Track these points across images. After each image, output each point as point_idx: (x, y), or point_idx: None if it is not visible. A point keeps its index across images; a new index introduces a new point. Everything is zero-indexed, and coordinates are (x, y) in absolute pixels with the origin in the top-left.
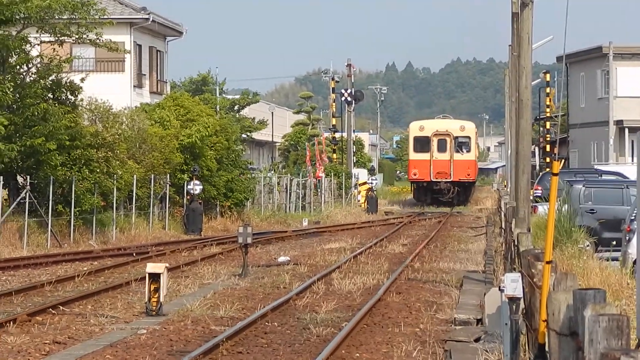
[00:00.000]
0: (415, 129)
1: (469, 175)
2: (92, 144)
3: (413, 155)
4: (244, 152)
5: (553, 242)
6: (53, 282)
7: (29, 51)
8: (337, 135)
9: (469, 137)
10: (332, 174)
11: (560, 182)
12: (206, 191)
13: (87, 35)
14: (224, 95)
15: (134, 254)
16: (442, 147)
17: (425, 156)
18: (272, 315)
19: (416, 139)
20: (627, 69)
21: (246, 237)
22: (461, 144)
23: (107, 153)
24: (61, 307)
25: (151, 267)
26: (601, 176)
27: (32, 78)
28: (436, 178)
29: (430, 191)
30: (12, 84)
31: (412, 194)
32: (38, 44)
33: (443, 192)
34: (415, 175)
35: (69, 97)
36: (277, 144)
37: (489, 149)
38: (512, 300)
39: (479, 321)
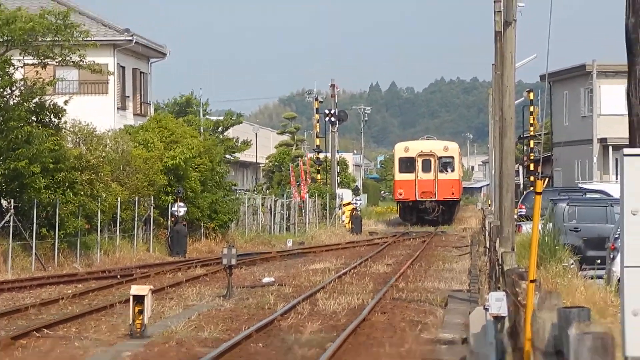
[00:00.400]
0: (401, 150)
1: (453, 194)
2: (76, 167)
3: (398, 176)
4: (228, 174)
5: (537, 261)
6: (37, 305)
7: (12, 74)
8: (321, 155)
9: (452, 157)
10: (317, 194)
11: (544, 200)
12: (190, 213)
13: (71, 58)
14: (207, 116)
15: (119, 277)
16: (426, 167)
17: (410, 176)
18: (257, 336)
19: (401, 159)
20: (611, 87)
21: (230, 259)
22: (445, 164)
23: (91, 175)
24: (45, 330)
25: (135, 289)
26: (585, 194)
27: (15, 101)
28: (421, 197)
29: (415, 210)
30: None
31: (398, 214)
32: (21, 67)
33: (428, 211)
34: (401, 195)
35: (53, 119)
36: (261, 164)
37: (473, 168)
38: (497, 319)
39: (465, 340)
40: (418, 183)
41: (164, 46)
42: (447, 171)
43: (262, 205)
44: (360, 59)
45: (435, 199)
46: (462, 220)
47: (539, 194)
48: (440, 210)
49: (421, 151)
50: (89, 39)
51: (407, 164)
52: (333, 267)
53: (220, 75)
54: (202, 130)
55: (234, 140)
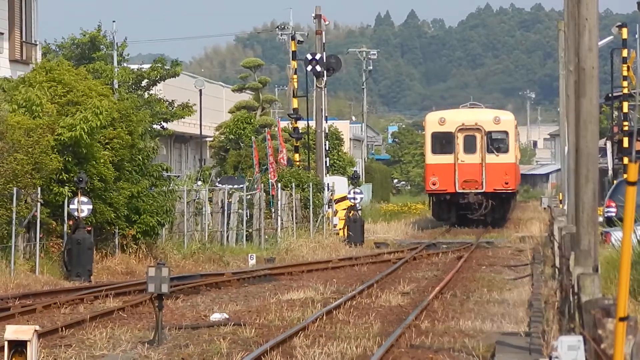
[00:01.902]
0: (434, 122)
1: (507, 184)
2: None
3: (431, 158)
4: (157, 153)
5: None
6: None
7: None
8: (301, 124)
9: (506, 133)
10: (294, 184)
11: None
12: (98, 213)
13: None
14: (125, 64)
15: None
16: (470, 147)
17: (447, 159)
18: None
19: (435, 135)
20: None
21: (160, 284)
22: (496, 142)
23: None
24: None
25: (13, 332)
26: None
27: None
28: (463, 188)
29: (455, 206)
30: None
31: (431, 211)
32: None
33: (473, 207)
34: (434, 185)
35: None
36: (208, 138)
37: (535, 144)
38: None
39: None
40: (458, 168)
41: None
42: (498, 152)
43: (210, 200)
44: None
45: (483, 190)
46: (519, 224)
47: (634, 184)
48: (490, 207)
49: (462, 124)
50: None
51: (443, 142)
52: (319, 298)
53: (144, 1)
54: (116, 86)
55: (167, 102)
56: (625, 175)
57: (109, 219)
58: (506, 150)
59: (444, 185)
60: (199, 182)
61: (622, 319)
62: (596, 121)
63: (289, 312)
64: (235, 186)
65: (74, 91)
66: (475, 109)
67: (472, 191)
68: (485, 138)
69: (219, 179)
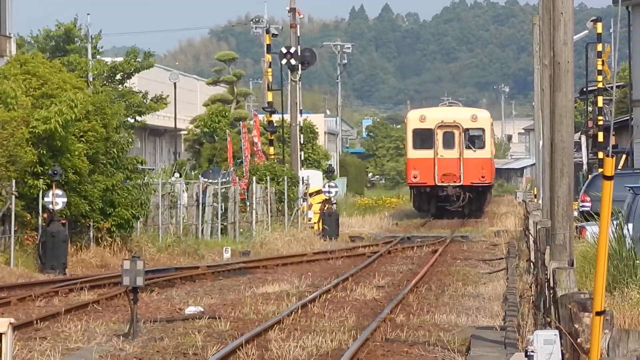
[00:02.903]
0: (415, 119)
1: (483, 177)
2: None
3: (412, 153)
4: (132, 145)
5: (609, 283)
6: None
7: None
8: (276, 118)
9: (482, 129)
10: (268, 178)
11: (619, 189)
12: (73, 206)
13: None
14: (99, 57)
15: None
16: (449, 143)
17: (428, 154)
18: None
19: (416, 132)
20: None
21: (135, 277)
22: (473, 139)
23: None
24: None
25: None
26: None
27: None
28: (442, 181)
29: (434, 198)
30: None
31: (412, 202)
32: None
33: (451, 199)
34: (415, 178)
35: None
36: (182, 132)
37: (510, 138)
38: None
39: None
40: (438, 163)
41: None
42: (475, 148)
43: (186, 193)
44: None
45: (460, 183)
46: (494, 218)
47: (610, 178)
48: (467, 199)
49: (442, 121)
50: None
51: (424, 138)
52: (294, 291)
53: None
54: (91, 79)
55: (142, 94)
56: (600, 170)
57: (83, 211)
58: (482, 146)
59: (424, 178)
60: (177, 175)
61: (598, 313)
62: (571, 115)
63: (264, 306)
64: (223, 180)
65: (49, 84)
66: (454, 107)
67: (451, 184)
68: (463, 134)
69: (201, 173)
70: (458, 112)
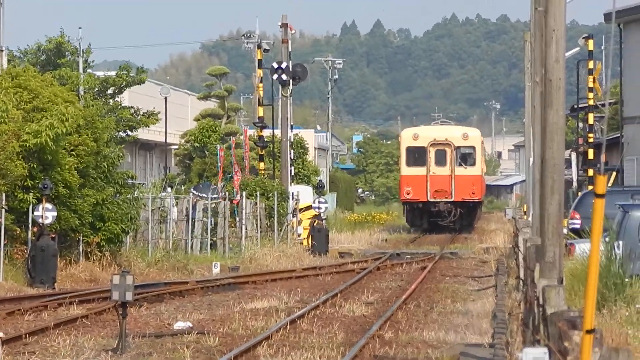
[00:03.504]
0: (408, 137)
1: (473, 193)
2: None
3: (406, 170)
4: (122, 160)
5: (597, 300)
6: None
7: None
8: (266, 133)
9: (473, 147)
10: (258, 193)
11: (610, 206)
12: (63, 220)
13: None
14: (90, 71)
15: None
16: (441, 160)
17: (420, 171)
18: None
19: (409, 150)
20: None
21: (125, 292)
22: (464, 156)
23: None
24: None
25: None
26: None
27: None
28: (434, 198)
29: (427, 214)
30: None
31: (405, 218)
32: None
33: (442, 214)
34: (408, 194)
35: None
36: (173, 146)
37: (500, 155)
38: None
39: None
40: (430, 179)
41: None
42: (466, 165)
43: (175, 208)
44: None
45: (452, 199)
46: (484, 234)
47: (602, 196)
48: (458, 214)
49: (434, 139)
50: None
51: (416, 156)
52: (283, 307)
53: (109, 7)
54: (82, 93)
55: (133, 110)
56: (590, 187)
57: (73, 226)
58: (473, 164)
59: (417, 194)
60: (168, 189)
61: (589, 332)
62: (562, 132)
63: (253, 321)
64: (214, 196)
65: (40, 97)
66: (446, 126)
67: (443, 200)
68: (454, 152)
69: (191, 188)
70: (450, 130)
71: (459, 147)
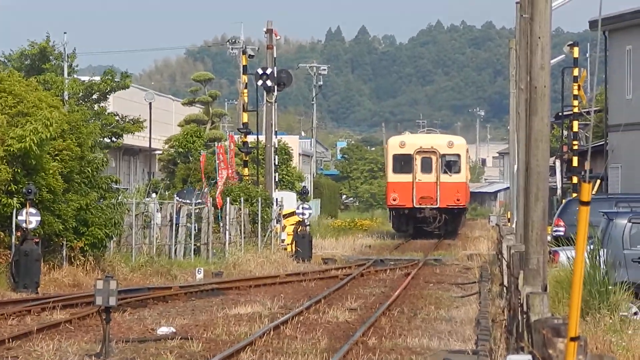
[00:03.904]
0: (395, 145)
1: (458, 200)
2: None
3: (392, 177)
4: (107, 165)
5: (582, 308)
6: None
7: None
8: (251, 139)
9: (458, 155)
10: (242, 199)
11: (594, 214)
12: (47, 224)
13: None
14: (74, 75)
15: None
16: (426, 168)
17: (407, 178)
18: None
19: (396, 157)
20: None
21: (108, 297)
22: (449, 164)
23: None
24: None
25: None
26: None
27: None
28: (420, 204)
29: (412, 219)
30: None
31: (391, 223)
32: None
33: (428, 220)
34: (394, 200)
35: None
36: (157, 151)
37: (484, 162)
38: None
39: None
40: (416, 186)
41: None
42: (451, 173)
43: (159, 213)
44: None
45: (437, 206)
46: (468, 241)
47: (586, 204)
48: (443, 220)
49: (420, 147)
50: None
51: (403, 163)
52: (267, 313)
53: (94, 12)
54: (66, 98)
55: (118, 116)
56: (574, 195)
57: (57, 230)
58: (458, 171)
59: (403, 200)
60: (153, 195)
61: (573, 339)
62: (547, 139)
63: (236, 327)
64: (198, 201)
65: (24, 102)
66: (432, 134)
67: (428, 206)
68: (440, 160)
69: (175, 193)
70: (435, 138)
71: (444, 155)
